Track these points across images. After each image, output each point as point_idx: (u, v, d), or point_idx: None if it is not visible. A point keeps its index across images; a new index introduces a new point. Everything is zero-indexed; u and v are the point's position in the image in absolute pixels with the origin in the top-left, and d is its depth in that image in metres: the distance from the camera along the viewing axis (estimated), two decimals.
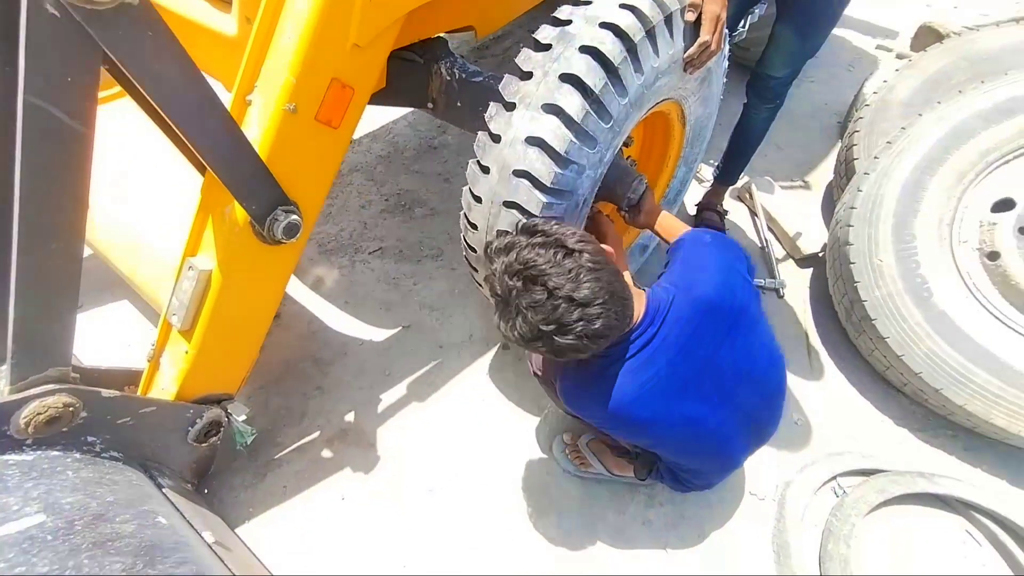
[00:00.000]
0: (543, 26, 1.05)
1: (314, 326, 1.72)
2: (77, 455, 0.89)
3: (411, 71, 1.43)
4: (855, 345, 1.69)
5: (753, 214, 2.18)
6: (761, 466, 1.49)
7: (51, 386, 0.85)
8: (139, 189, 1.49)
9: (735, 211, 2.18)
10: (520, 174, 1.02)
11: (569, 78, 0.99)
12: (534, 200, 1.03)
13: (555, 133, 0.99)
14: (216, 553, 0.98)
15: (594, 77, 0.98)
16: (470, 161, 1.12)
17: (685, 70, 1.17)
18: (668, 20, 1.06)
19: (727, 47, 1.32)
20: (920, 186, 1.56)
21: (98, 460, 0.93)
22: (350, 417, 1.53)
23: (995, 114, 1.55)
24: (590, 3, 1.04)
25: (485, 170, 1.08)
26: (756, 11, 1.86)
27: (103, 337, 1.61)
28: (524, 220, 0.96)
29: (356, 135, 1.97)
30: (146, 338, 1.61)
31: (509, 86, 1.04)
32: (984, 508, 1.40)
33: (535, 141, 1.00)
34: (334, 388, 1.58)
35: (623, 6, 1.01)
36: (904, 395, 1.64)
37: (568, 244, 0.85)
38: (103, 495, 0.83)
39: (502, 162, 1.04)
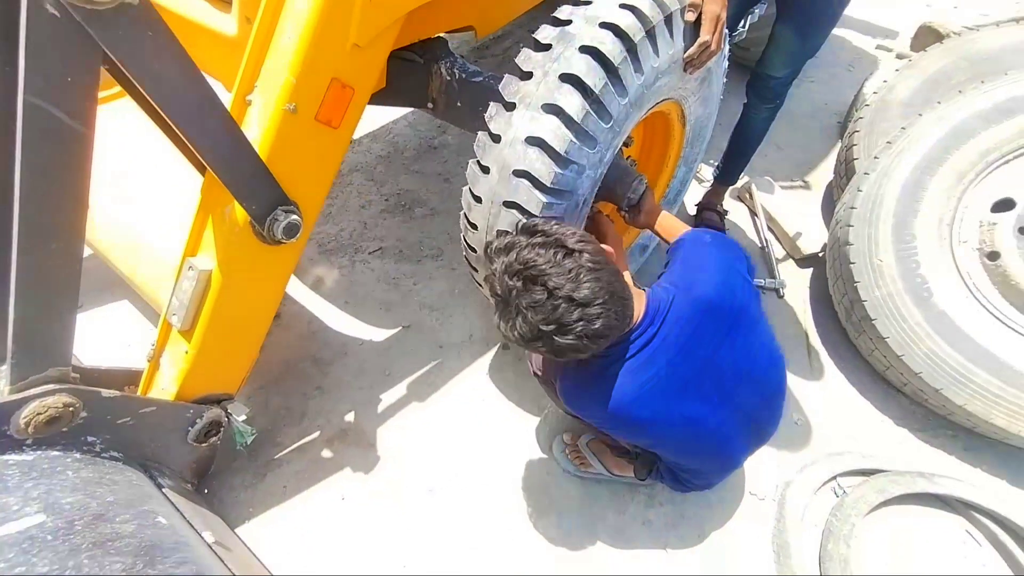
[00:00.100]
0: (543, 26, 1.05)
1: (314, 326, 1.72)
2: (77, 455, 0.89)
3: (411, 71, 1.43)
4: (855, 345, 1.69)
5: (753, 214, 2.18)
6: (761, 466, 1.49)
7: (51, 386, 0.85)
8: (139, 189, 1.49)
9: (735, 211, 2.18)
10: (520, 174, 1.02)
11: (569, 78, 0.99)
12: (534, 200, 1.03)
13: (555, 133, 0.99)
14: (216, 553, 0.98)
15: (594, 77, 0.98)
16: (470, 161, 1.12)
17: (685, 70, 1.17)
18: (668, 20, 1.06)
19: (727, 47, 1.32)
20: (920, 186, 1.56)
21: (98, 460, 0.93)
22: (350, 417, 1.53)
23: (995, 114, 1.55)
24: (590, 3, 1.04)
25: (485, 170, 1.08)
26: (756, 11, 1.86)
27: (103, 337, 1.61)
28: (524, 220, 0.96)
29: (356, 135, 1.97)
30: (146, 338, 1.61)
31: (509, 86, 1.04)
32: (984, 508, 1.40)
33: (535, 141, 1.00)
34: (334, 388, 1.58)
35: (623, 6, 1.01)
36: (904, 395, 1.64)
37: (568, 244, 0.85)
38: (103, 495, 0.83)
39: (502, 162, 1.04)
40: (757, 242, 2.08)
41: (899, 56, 2.80)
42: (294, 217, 1.05)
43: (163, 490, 1.04)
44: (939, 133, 1.58)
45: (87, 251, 0.96)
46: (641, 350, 0.93)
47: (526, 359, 1.63)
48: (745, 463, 1.26)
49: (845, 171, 2.00)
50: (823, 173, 2.36)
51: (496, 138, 1.05)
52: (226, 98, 0.94)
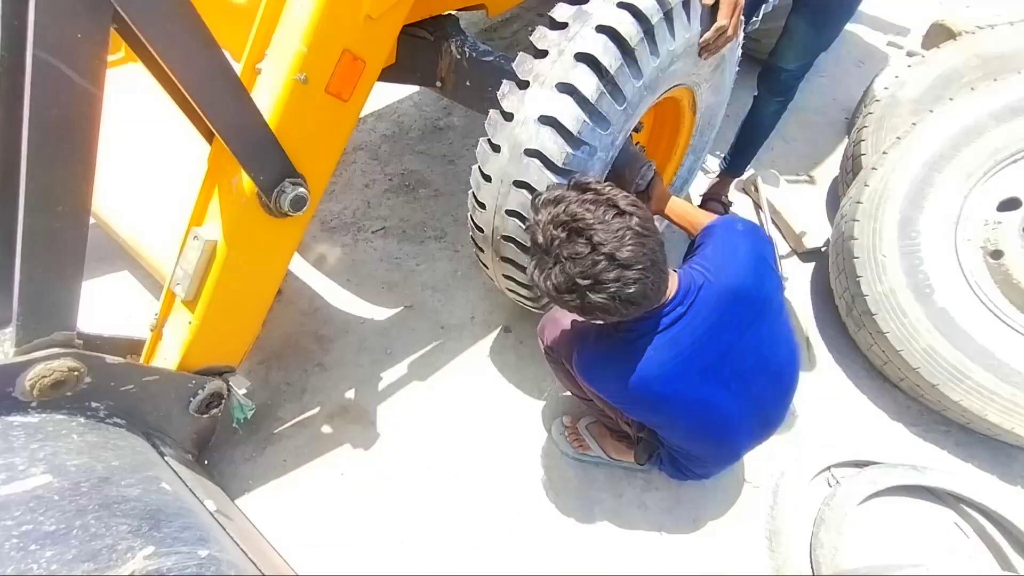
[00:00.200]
0: (560, 4, 1.03)
1: (316, 303, 1.72)
2: (82, 420, 0.89)
3: (420, 48, 1.41)
4: (854, 340, 1.70)
5: (757, 207, 2.18)
6: (757, 455, 1.50)
7: (56, 350, 0.84)
8: (144, 158, 1.47)
9: (739, 203, 2.18)
10: (531, 153, 1.02)
11: (584, 58, 0.98)
12: (545, 180, 1.02)
13: (568, 113, 0.98)
14: (218, 522, 0.99)
15: (610, 57, 0.97)
16: (480, 139, 1.11)
17: (700, 55, 1.16)
18: (686, 3, 1.05)
19: (741, 35, 1.31)
20: (928, 182, 1.56)
21: (102, 425, 0.93)
22: (350, 394, 1.54)
23: (1006, 113, 1.55)
24: None
25: (496, 148, 1.07)
26: (771, 1, 1.84)
27: (103, 307, 1.60)
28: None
29: (361, 113, 1.95)
30: (146, 309, 1.60)
31: (523, 64, 1.03)
32: (973, 501, 1.42)
33: (548, 120, 0.99)
34: (335, 365, 1.58)
35: None
36: (900, 390, 1.66)
37: (620, 205, 0.84)
38: (108, 459, 0.84)
39: (513, 141, 1.03)
40: None
41: (910, 53, 2.78)
42: (301, 190, 1.04)
43: (165, 458, 1.04)
44: (950, 130, 1.57)
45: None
46: (669, 327, 0.93)
47: (531, 339, 1.64)
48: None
49: (852, 167, 2.00)
50: (829, 168, 2.35)
51: (508, 116, 1.04)
52: (234, 68, 0.93)
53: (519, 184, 1.05)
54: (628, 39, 0.98)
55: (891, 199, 1.57)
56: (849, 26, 1.87)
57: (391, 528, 1.32)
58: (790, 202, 2.14)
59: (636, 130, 1.39)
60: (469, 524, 1.34)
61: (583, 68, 0.98)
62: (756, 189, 2.19)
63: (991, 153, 1.54)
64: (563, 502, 1.39)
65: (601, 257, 0.80)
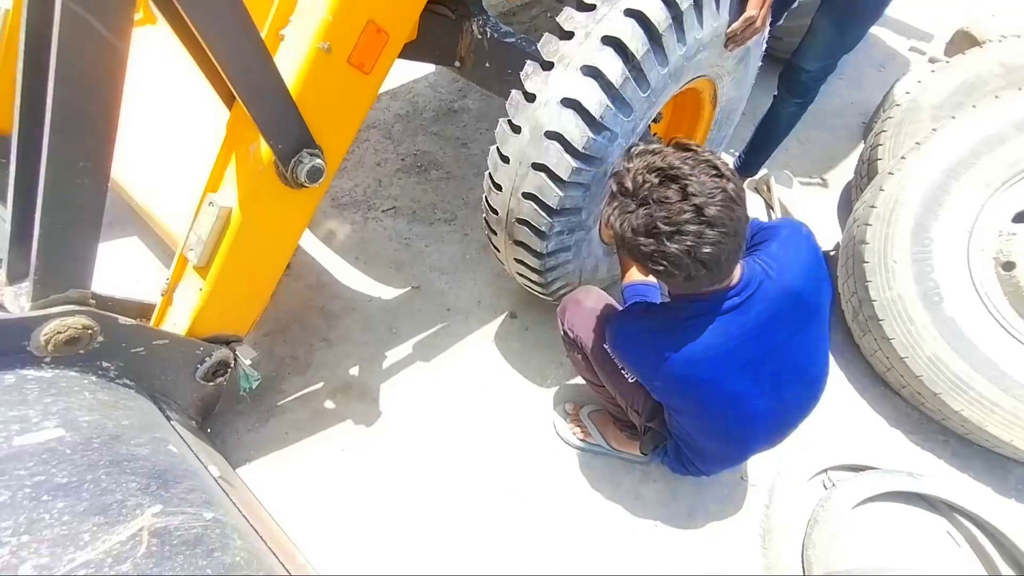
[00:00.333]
0: None
1: (324, 278, 1.72)
2: (93, 378, 0.90)
3: (442, 26, 1.39)
4: (858, 345, 1.70)
5: (769, 207, 2.17)
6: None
7: (71, 307, 0.85)
8: (160, 122, 1.46)
9: (751, 203, 2.16)
10: (552, 135, 1.01)
11: (611, 41, 0.97)
12: (564, 164, 1.02)
13: (592, 96, 0.98)
14: (221, 487, 1.00)
15: (637, 42, 0.96)
16: (500, 120, 1.10)
17: (726, 46, 1.15)
18: None
19: (767, 30, 1.29)
20: (944, 190, 1.55)
21: (113, 385, 0.93)
22: (355, 371, 1.54)
23: None
24: None
25: (516, 130, 1.06)
26: None
27: (113, 272, 1.60)
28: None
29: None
30: (156, 275, 1.61)
31: (548, 45, 1.02)
32: (966, 511, 1.43)
33: (571, 103, 0.99)
34: (341, 341, 1.59)
35: None
36: (901, 398, 1.66)
37: (719, 167, 0.82)
38: (119, 418, 0.84)
39: (535, 122, 1.03)
40: None
41: (932, 60, 2.75)
42: (318, 161, 1.03)
43: (171, 422, 1.05)
44: (971, 138, 1.56)
45: None
46: (722, 314, 0.92)
47: (540, 325, 1.64)
48: None
49: (867, 171, 1.98)
50: (843, 172, 2.34)
51: (531, 97, 1.03)
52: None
53: (537, 167, 1.05)
54: (656, 24, 0.97)
55: (906, 205, 1.56)
56: (872, 29, 1.84)
57: (389, 505, 1.33)
58: (802, 204, 2.13)
59: (655, 120, 1.38)
60: (465, 506, 1.35)
61: (609, 52, 0.97)
62: (768, 189, 2.18)
63: (1010, 164, 1.52)
64: (560, 489, 1.40)
65: (690, 207, 0.78)
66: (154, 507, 0.73)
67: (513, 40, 1.33)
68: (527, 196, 1.10)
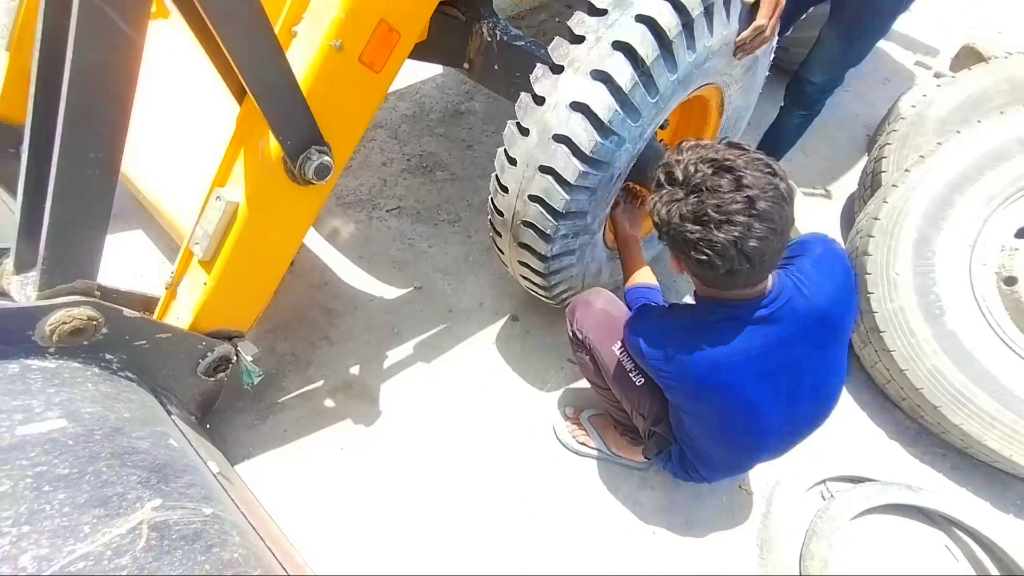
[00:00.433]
0: None
1: (326, 276, 1.72)
2: (96, 370, 0.90)
3: (451, 27, 1.40)
4: (859, 356, 1.70)
5: None
6: None
7: (77, 297, 0.85)
8: (169, 116, 1.46)
9: None
10: (560, 139, 1.01)
11: (622, 46, 0.97)
12: (571, 167, 1.02)
13: (601, 101, 0.98)
14: (220, 483, 0.99)
15: (647, 48, 0.97)
16: (508, 122, 1.11)
17: (735, 54, 1.15)
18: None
19: (775, 40, 1.30)
20: (948, 203, 1.55)
21: (115, 377, 0.93)
22: (355, 370, 1.54)
23: None
24: None
25: (524, 132, 1.06)
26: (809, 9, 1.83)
27: (116, 265, 1.59)
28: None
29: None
30: (159, 269, 1.61)
31: (559, 48, 1.03)
32: (965, 525, 1.43)
33: (579, 107, 0.99)
34: (342, 340, 1.59)
35: None
36: (901, 410, 1.66)
37: (772, 166, 0.83)
38: (120, 410, 0.84)
39: (543, 125, 1.03)
40: None
41: (937, 75, 2.77)
42: (327, 158, 1.04)
43: (172, 416, 1.04)
44: (975, 152, 1.57)
45: None
46: (749, 322, 0.92)
47: (541, 328, 1.63)
48: None
49: (871, 183, 1.99)
50: (846, 184, 2.34)
51: (540, 100, 1.03)
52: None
53: (545, 169, 1.05)
54: (667, 31, 0.97)
55: (909, 217, 1.57)
56: (878, 43, 1.85)
57: (387, 506, 1.32)
58: (805, 216, 2.14)
59: (662, 127, 1.38)
60: (463, 508, 1.34)
61: (619, 57, 0.97)
62: None
63: (1014, 179, 1.53)
64: (558, 494, 1.39)
65: (742, 198, 0.78)
66: (154, 501, 0.73)
67: (522, 43, 1.34)
68: (533, 198, 1.10)
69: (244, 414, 1.41)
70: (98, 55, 0.69)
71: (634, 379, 1.14)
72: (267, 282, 1.23)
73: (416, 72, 2.36)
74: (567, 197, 1.07)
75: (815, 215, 2.16)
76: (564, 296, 1.43)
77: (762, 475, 1.49)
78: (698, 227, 0.81)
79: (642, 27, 0.97)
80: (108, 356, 0.93)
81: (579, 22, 1.02)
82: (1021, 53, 1.97)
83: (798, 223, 2.09)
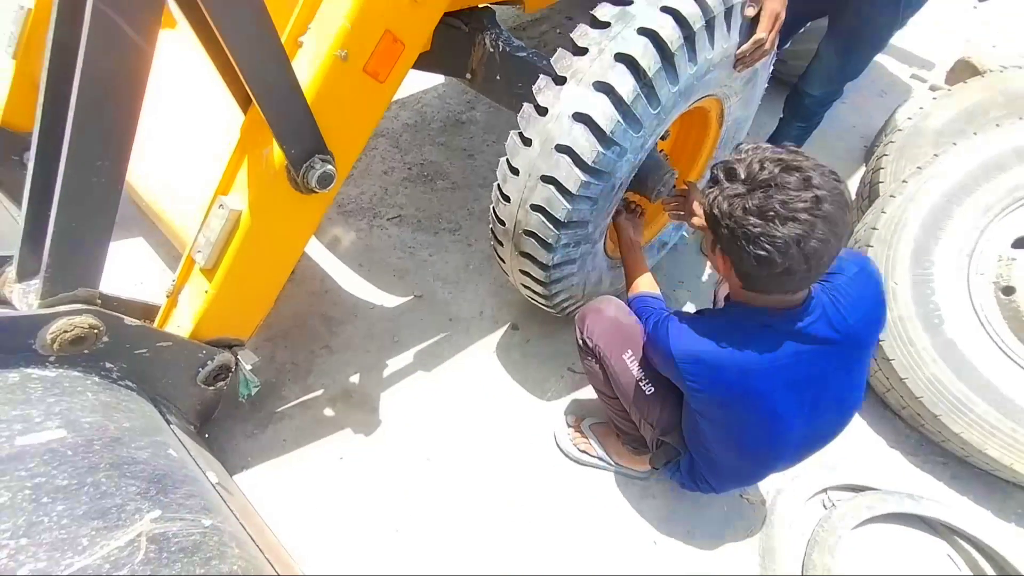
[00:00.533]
0: (603, 3, 1.04)
1: (327, 284, 1.71)
2: (96, 379, 0.89)
3: (454, 38, 1.41)
4: None
5: None
6: None
7: (79, 305, 0.84)
8: (173, 124, 1.46)
9: None
10: (562, 149, 1.02)
11: (624, 58, 0.98)
12: (573, 177, 1.03)
13: (603, 112, 0.99)
14: (219, 493, 0.98)
15: (649, 60, 0.98)
16: (511, 132, 1.11)
17: (735, 66, 1.17)
18: (728, 13, 1.05)
19: (775, 53, 1.32)
20: (946, 214, 1.57)
21: (115, 386, 0.92)
22: (355, 379, 1.53)
23: None
24: None
25: (527, 142, 1.07)
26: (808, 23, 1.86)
27: (117, 273, 1.58)
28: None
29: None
30: (160, 277, 1.61)
31: (562, 60, 1.04)
32: (967, 534, 1.43)
33: (582, 118, 1.00)
34: (342, 348, 1.58)
35: None
36: (901, 419, 1.66)
37: (837, 175, 0.83)
38: (120, 420, 0.83)
39: (546, 135, 1.04)
40: None
41: (933, 88, 2.80)
42: (330, 167, 1.04)
43: (171, 426, 1.04)
44: (972, 163, 1.59)
45: None
46: (782, 331, 0.92)
47: (542, 337, 1.63)
48: None
49: (869, 193, 2.00)
50: None
51: (542, 111, 1.04)
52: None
53: (547, 179, 1.06)
54: (669, 43, 0.98)
55: (907, 227, 1.58)
56: (876, 56, 1.88)
57: (386, 515, 1.31)
58: None
59: (663, 137, 1.40)
60: (464, 517, 1.33)
61: (622, 68, 0.98)
62: None
63: (1011, 190, 1.55)
64: (558, 503, 1.39)
65: (809, 196, 0.77)
66: (153, 512, 0.72)
67: (525, 54, 1.35)
68: (535, 208, 1.11)
69: (243, 423, 1.40)
70: (108, 63, 0.69)
71: (644, 388, 1.13)
72: (268, 290, 1.23)
73: (418, 82, 2.37)
74: (569, 207, 1.08)
75: None
76: (564, 305, 1.43)
77: (763, 484, 1.49)
78: (761, 221, 0.79)
79: (644, 40, 0.98)
80: (108, 365, 0.93)
81: (582, 34, 1.03)
82: (1016, 67, 2.00)
83: None
